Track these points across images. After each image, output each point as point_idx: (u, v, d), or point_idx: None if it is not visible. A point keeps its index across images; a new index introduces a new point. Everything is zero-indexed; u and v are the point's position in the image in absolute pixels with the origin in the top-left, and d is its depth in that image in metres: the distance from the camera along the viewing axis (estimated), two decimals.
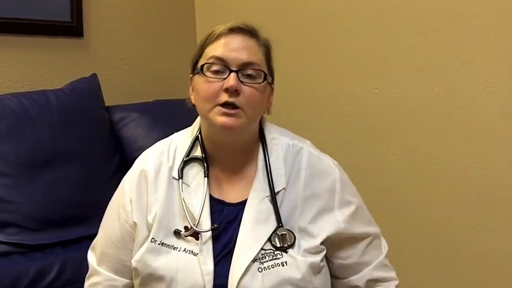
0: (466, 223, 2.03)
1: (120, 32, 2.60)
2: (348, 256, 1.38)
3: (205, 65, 1.31)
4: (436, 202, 2.09)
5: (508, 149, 1.92)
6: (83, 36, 2.46)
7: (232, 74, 1.29)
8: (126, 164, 2.19)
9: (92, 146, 2.12)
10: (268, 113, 1.42)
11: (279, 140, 1.41)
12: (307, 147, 1.41)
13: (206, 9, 2.83)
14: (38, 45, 2.34)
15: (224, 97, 1.28)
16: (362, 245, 1.39)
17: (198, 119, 1.43)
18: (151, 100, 2.52)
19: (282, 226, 1.32)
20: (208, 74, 1.31)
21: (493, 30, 1.91)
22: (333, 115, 2.36)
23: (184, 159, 1.39)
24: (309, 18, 2.41)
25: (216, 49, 1.32)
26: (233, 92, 1.28)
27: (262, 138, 1.41)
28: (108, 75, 2.48)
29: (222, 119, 1.28)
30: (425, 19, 2.06)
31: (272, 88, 1.40)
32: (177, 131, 1.48)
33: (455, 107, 2.02)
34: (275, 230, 1.31)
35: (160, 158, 1.40)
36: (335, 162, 1.43)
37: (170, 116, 2.35)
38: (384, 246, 1.45)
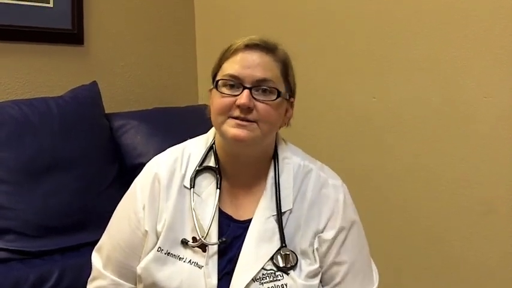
0: (462, 231, 2.04)
1: (120, 40, 2.61)
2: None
3: (220, 81, 1.32)
4: (434, 210, 2.10)
5: (504, 158, 1.93)
6: (83, 43, 2.47)
7: (245, 91, 1.29)
8: (125, 171, 2.20)
9: (92, 153, 2.13)
10: (286, 126, 1.43)
11: (290, 159, 1.41)
12: (316, 169, 1.41)
13: (206, 18, 2.84)
14: (39, 53, 2.34)
15: (237, 112, 1.30)
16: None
17: (213, 129, 1.43)
18: (151, 108, 2.52)
19: (286, 246, 1.32)
20: (223, 89, 1.32)
21: (490, 41, 1.93)
22: (331, 124, 2.37)
23: (197, 168, 1.39)
24: (307, 26, 2.42)
25: (231, 66, 1.32)
26: (245, 109, 1.29)
27: (275, 156, 1.41)
28: (109, 82, 2.49)
29: (234, 131, 1.29)
30: (423, 30, 2.08)
31: (291, 102, 1.40)
32: (190, 138, 1.49)
33: (452, 116, 2.03)
34: (278, 250, 1.31)
35: (174, 165, 1.39)
36: (342, 185, 1.43)
37: (170, 123, 2.36)
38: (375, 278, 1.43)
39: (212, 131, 1.45)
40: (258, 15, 2.60)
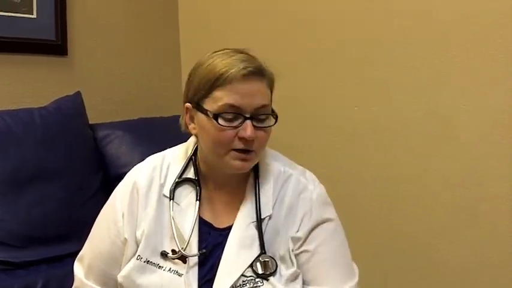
0: (447, 238, 2.06)
1: (104, 51, 2.61)
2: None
3: (221, 114, 1.28)
4: (417, 218, 2.13)
5: (485, 163, 1.97)
6: (67, 54, 2.47)
7: (249, 123, 1.27)
8: (109, 181, 2.19)
9: (76, 163, 2.12)
10: None
11: (271, 165, 1.41)
12: (297, 175, 1.41)
13: (190, 28, 2.85)
14: (23, 64, 2.34)
15: (239, 145, 1.28)
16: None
17: (193, 138, 1.43)
18: (135, 118, 2.53)
19: (265, 253, 1.32)
20: (221, 122, 1.28)
21: (469, 50, 1.96)
22: (313, 133, 2.39)
23: (177, 180, 1.39)
24: (290, 36, 2.44)
25: (229, 96, 1.27)
26: (251, 141, 1.28)
27: (257, 163, 1.40)
28: (92, 93, 2.49)
29: (238, 164, 1.30)
30: (403, 39, 2.11)
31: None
32: (170, 147, 1.48)
33: (432, 124, 2.06)
34: (258, 257, 1.32)
35: (153, 174, 1.39)
36: (319, 186, 1.42)
37: (154, 133, 2.36)
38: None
39: (192, 140, 1.45)
40: (243, 24, 2.62)
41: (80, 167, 2.14)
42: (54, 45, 2.42)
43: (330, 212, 1.40)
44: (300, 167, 1.46)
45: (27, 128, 2.04)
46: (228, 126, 1.28)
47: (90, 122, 2.33)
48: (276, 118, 1.33)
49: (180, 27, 2.90)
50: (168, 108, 2.53)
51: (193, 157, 1.42)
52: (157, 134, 2.34)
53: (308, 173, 1.45)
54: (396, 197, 2.17)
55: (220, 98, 1.28)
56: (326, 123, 2.35)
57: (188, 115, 1.37)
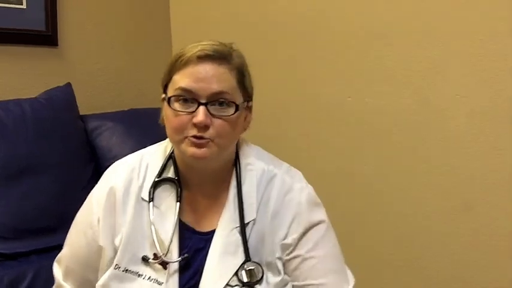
0: (441, 229, 2.06)
1: (95, 41, 2.59)
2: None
3: (172, 97, 1.25)
4: (410, 210, 2.13)
5: (479, 153, 1.96)
6: (57, 45, 2.45)
7: (201, 108, 1.21)
8: (101, 172, 2.13)
9: (67, 155, 2.12)
10: (245, 130, 1.36)
11: (254, 165, 1.34)
12: (281, 174, 1.34)
13: (182, 19, 2.84)
14: (12, 55, 2.32)
15: (193, 131, 1.22)
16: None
17: None
18: (126, 109, 2.52)
19: (250, 260, 1.26)
20: (176, 106, 1.24)
21: (463, 42, 1.96)
22: (305, 123, 2.38)
23: (156, 179, 1.33)
24: (283, 27, 2.43)
25: (183, 79, 1.24)
26: (202, 127, 1.21)
27: (237, 163, 1.34)
28: (83, 84, 2.47)
29: (192, 150, 1.23)
30: (397, 30, 2.11)
31: (250, 106, 1.33)
32: (150, 144, 1.43)
33: (426, 115, 2.06)
34: (242, 264, 1.26)
35: (131, 175, 1.33)
36: (307, 186, 1.36)
37: (145, 124, 2.33)
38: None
39: None
40: (235, 16, 2.61)
41: (71, 158, 2.13)
42: (44, 35, 2.40)
43: (320, 214, 1.34)
44: (285, 165, 1.39)
45: (17, 119, 2.03)
46: (182, 111, 1.23)
47: (80, 113, 2.32)
48: (237, 108, 1.25)
49: (171, 18, 2.88)
50: (159, 99, 2.51)
51: (173, 155, 1.36)
52: (149, 125, 2.29)
53: (293, 171, 1.38)
54: (390, 190, 2.17)
55: (176, 82, 1.25)
56: (318, 113, 2.34)
57: (164, 111, 1.32)
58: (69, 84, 2.32)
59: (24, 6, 2.33)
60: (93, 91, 2.56)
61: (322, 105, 2.33)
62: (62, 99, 2.24)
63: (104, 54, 2.62)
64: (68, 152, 2.13)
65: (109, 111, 2.46)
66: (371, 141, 2.21)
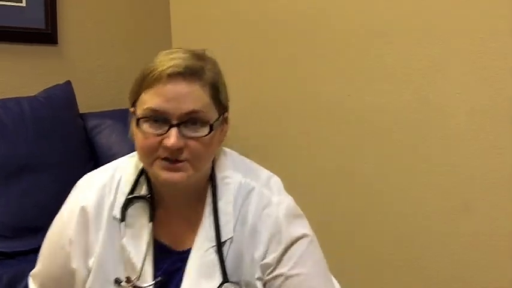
0: (441, 229, 2.05)
1: (94, 39, 2.59)
2: None
3: (140, 119, 1.15)
4: (410, 209, 2.12)
5: (479, 152, 1.95)
6: (57, 43, 2.45)
7: (173, 130, 1.12)
8: None
9: (66, 153, 2.12)
10: (221, 143, 1.26)
11: (231, 178, 1.24)
12: (259, 187, 1.24)
13: (182, 17, 2.83)
14: (12, 53, 2.33)
15: (164, 153, 1.13)
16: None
17: None
18: (126, 107, 2.51)
19: (228, 281, 1.18)
20: (145, 127, 1.14)
21: (463, 39, 1.96)
22: (305, 121, 2.37)
23: (128, 197, 1.23)
24: (283, 25, 2.42)
25: (152, 99, 1.14)
26: (175, 150, 1.12)
27: (213, 177, 1.24)
28: (83, 82, 2.48)
29: (166, 175, 1.14)
30: (397, 28, 2.10)
31: (226, 117, 1.23)
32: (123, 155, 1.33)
33: (425, 112, 2.05)
34: (220, 286, 1.18)
35: (102, 192, 1.24)
36: (286, 198, 1.26)
37: None
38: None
39: None
40: (235, 15, 2.60)
41: (70, 156, 2.14)
42: (44, 34, 2.41)
43: (301, 227, 1.24)
44: (264, 174, 1.29)
45: (16, 117, 2.03)
46: (151, 133, 1.13)
47: (80, 112, 2.32)
48: (211, 128, 1.15)
49: (171, 15, 2.88)
50: None
51: (145, 169, 1.24)
52: None
53: (273, 181, 1.28)
54: (389, 188, 2.16)
55: (145, 101, 1.15)
56: (318, 111, 2.33)
57: (132, 127, 1.21)
58: (68, 83, 2.32)
59: (23, 4, 2.34)
60: (93, 89, 2.56)
61: (322, 103, 2.33)
62: (61, 97, 2.24)
63: (103, 52, 2.62)
64: (68, 151, 2.13)
65: (109, 109, 2.46)
66: (371, 139, 2.20)
